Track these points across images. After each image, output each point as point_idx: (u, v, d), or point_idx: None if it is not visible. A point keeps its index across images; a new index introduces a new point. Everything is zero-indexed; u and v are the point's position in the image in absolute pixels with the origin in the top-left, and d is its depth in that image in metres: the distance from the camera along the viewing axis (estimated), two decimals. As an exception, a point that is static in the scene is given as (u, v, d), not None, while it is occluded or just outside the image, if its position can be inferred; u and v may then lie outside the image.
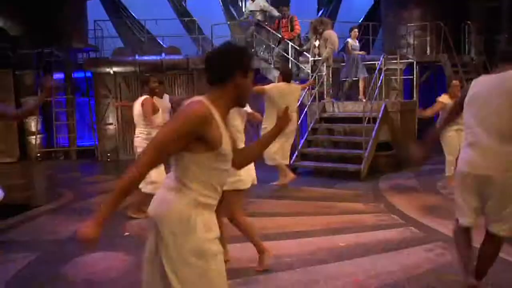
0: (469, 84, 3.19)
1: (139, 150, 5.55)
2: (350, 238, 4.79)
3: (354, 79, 10.57)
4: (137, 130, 5.78)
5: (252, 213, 5.55)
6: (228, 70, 2.02)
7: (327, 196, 6.80)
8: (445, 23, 11.52)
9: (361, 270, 3.95)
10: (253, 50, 10.89)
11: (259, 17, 10.65)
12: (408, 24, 12.31)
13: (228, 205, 3.77)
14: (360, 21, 14.86)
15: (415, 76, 9.95)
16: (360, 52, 9.93)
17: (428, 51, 12.39)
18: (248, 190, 3.96)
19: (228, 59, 2.04)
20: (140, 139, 5.65)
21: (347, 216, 5.68)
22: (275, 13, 10.62)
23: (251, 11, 10.77)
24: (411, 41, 12.38)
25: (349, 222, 5.39)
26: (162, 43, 12.74)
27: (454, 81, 7.10)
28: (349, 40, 9.85)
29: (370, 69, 11.52)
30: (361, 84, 9.71)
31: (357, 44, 9.93)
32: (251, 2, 10.85)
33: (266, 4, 10.76)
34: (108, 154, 10.78)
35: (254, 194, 6.05)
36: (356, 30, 10.04)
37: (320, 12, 15.22)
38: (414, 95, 11.34)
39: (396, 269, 3.95)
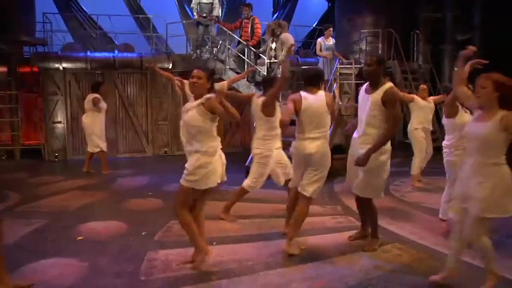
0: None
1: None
2: (311, 240, 4.83)
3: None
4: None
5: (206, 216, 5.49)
6: None
7: (282, 198, 6.78)
8: (396, 30, 11.91)
9: (324, 273, 3.98)
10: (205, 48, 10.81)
11: (205, 11, 10.52)
12: (361, 30, 12.61)
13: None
14: (314, 25, 15.15)
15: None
16: (338, 55, 10.02)
17: (379, 57, 12.73)
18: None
19: None
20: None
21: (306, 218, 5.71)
22: (216, 12, 10.56)
23: (201, 2, 10.57)
24: (364, 47, 12.69)
25: (308, 225, 5.36)
26: (114, 40, 12.36)
27: (422, 86, 8.18)
28: (319, 39, 9.92)
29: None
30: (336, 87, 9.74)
31: (332, 43, 9.95)
32: None
33: (217, 1, 10.64)
34: (56, 154, 10.31)
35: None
36: (331, 29, 10.04)
37: (276, 15, 15.34)
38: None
39: (357, 271, 4.01)
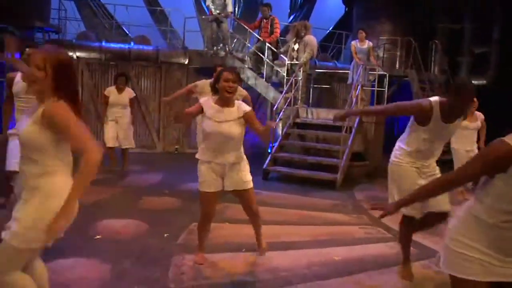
0: None
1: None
2: (343, 252, 4.53)
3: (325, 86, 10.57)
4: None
5: (230, 219, 5.21)
6: None
7: (307, 204, 6.53)
8: (414, 39, 11.68)
9: (362, 286, 3.70)
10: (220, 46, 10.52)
11: (219, 8, 10.22)
12: (380, 37, 12.37)
13: None
14: (330, 29, 14.91)
15: (386, 88, 9.96)
16: (374, 61, 9.72)
17: (397, 65, 12.53)
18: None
19: None
20: None
21: (333, 227, 5.45)
22: (230, 8, 10.25)
23: (213, 1, 10.28)
24: (381, 54, 12.45)
25: (337, 234, 5.15)
26: (127, 32, 12.06)
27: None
28: (353, 42, 9.63)
29: (342, 78, 11.56)
30: (361, 93, 9.42)
31: (366, 47, 9.61)
32: None
33: None
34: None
35: (230, 198, 5.69)
36: (362, 31, 9.66)
37: (292, 17, 15.10)
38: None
39: (398, 286, 3.74)
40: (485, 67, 13.35)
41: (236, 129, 3.59)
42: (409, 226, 3.86)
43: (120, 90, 7.64)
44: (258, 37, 9.90)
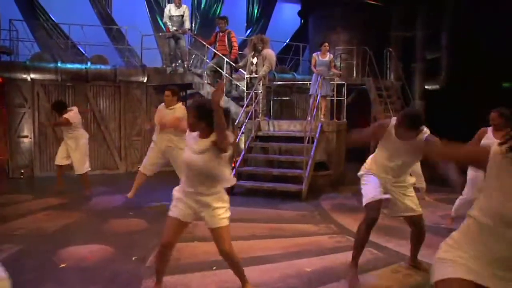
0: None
1: None
2: (314, 262, 4.57)
3: (285, 98, 10.71)
4: None
5: (200, 238, 5.15)
6: None
7: (274, 217, 6.56)
8: (370, 48, 12.02)
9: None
10: (179, 63, 10.52)
11: (176, 24, 10.26)
12: (336, 47, 12.65)
13: None
14: (287, 41, 15.13)
15: (345, 97, 10.17)
16: (335, 71, 9.82)
17: (354, 74, 12.84)
18: None
19: None
20: None
21: (302, 238, 5.49)
22: (187, 25, 10.36)
23: (171, 15, 10.30)
24: (338, 63, 12.72)
25: (307, 245, 5.19)
26: (84, 52, 11.83)
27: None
28: (314, 55, 9.76)
29: (301, 89, 11.73)
30: (322, 103, 9.48)
31: (327, 59, 9.70)
32: (176, 7, 10.36)
33: (188, 13, 10.42)
34: (22, 171, 9.65)
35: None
36: (326, 44, 9.75)
37: (249, 31, 15.22)
38: (343, 116, 11.61)
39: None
40: (437, 72, 13.91)
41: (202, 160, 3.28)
42: (370, 229, 3.99)
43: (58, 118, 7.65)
44: (216, 51, 9.92)
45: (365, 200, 3.97)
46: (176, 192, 3.45)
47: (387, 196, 3.99)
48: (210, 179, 3.30)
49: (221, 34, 9.97)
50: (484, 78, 12.00)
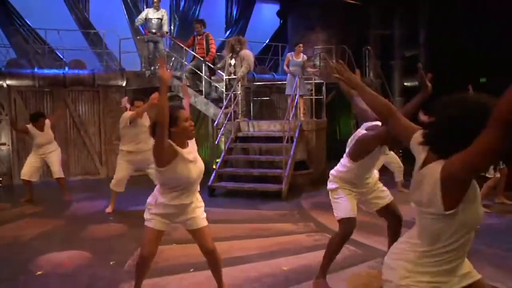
0: None
1: None
2: (292, 261, 4.62)
3: (265, 98, 10.75)
4: None
5: (177, 240, 5.17)
6: None
7: (254, 218, 6.60)
8: (348, 47, 12.13)
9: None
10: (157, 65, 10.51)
11: (154, 27, 10.28)
12: (315, 47, 12.75)
13: None
14: (266, 42, 15.18)
15: (324, 96, 10.26)
16: (311, 70, 9.93)
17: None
18: None
19: None
20: None
21: (281, 237, 5.53)
22: (166, 28, 10.43)
23: (149, 18, 10.34)
24: (317, 62, 12.83)
25: (285, 244, 5.23)
26: (62, 56, 11.74)
27: None
28: (288, 55, 9.84)
29: (281, 89, 11.78)
30: (300, 103, 9.54)
31: (301, 60, 9.81)
32: (155, 10, 10.41)
33: (167, 17, 10.46)
34: (0, 179, 9.54)
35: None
36: (301, 45, 9.89)
37: (228, 32, 15.24)
38: (323, 115, 11.71)
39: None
40: (416, 69, 14.04)
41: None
42: (344, 242, 3.86)
43: (41, 128, 7.51)
44: (194, 54, 9.93)
45: (339, 215, 3.76)
46: (154, 207, 3.30)
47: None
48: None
49: (199, 37, 10.00)
50: (462, 73, 12.20)
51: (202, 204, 3.45)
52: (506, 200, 7.18)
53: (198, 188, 3.39)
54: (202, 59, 9.77)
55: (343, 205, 3.75)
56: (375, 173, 3.98)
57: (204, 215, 3.42)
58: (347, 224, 3.73)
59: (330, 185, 3.84)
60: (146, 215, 3.34)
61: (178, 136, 3.09)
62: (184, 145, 3.16)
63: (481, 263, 4.43)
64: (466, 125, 1.75)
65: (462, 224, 1.83)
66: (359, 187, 3.79)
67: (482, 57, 11.52)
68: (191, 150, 3.21)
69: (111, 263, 4.61)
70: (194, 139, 3.29)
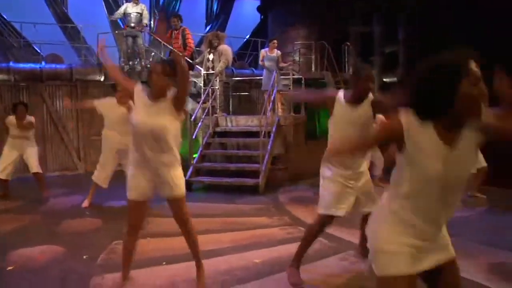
0: None
1: None
2: (264, 254, 4.69)
3: (244, 93, 10.80)
4: None
5: (152, 234, 5.20)
6: None
7: (230, 212, 6.67)
8: (328, 43, 12.24)
9: (283, 285, 3.86)
10: (137, 61, 10.51)
11: (133, 21, 10.26)
12: (295, 42, 12.83)
13: None
14: (247, 37, 15.23)
15: (303, 91, 10.35)
16: (284, 64, 10.07)
17: (313, 69, 13.05)
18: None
19: None
20: None
21: (255, 231, 5.60)
22: (146, 21, 10.43)
23: (128, 13, 10.31)
24: (297, 58, 12.91)
25: (258, 237, 5.30)
26: (39, 51, 11.61)
27: None
28: (263, 50, 9.92)
29: (260, 84, 11.84)
30: (277, 98, 9.57)
31: (275, 55, 9.92)
32: (134, 4, 10.37)
33: (146, 11, 10.44)
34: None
35: (151, 213, 5.67)
36: (275, 41, 10.01)
37: (209, 27, 15.24)
38: (302, 110, 11.80)
39: (318, 281, 3.95)
40: (395, 65, 14.26)
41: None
42: (324, 227, 3.91)
43: (20, 120, 7.25)
44: (172, 48, 9.93)
45: (319, 208, 3.77)
46: (131, 170, 3.42)
47: (341, 213, 3.75)
48: (166, 143, 3.30)
49: (175, 31, 10.00)
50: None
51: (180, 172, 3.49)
52: (479, 193, 7.37)
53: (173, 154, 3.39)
54: (179, 53, 9.77)
55: (323, 196, 3.76)
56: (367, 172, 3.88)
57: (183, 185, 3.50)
58: (322, 220, 3.78)
59: (323, 172, 3.81)
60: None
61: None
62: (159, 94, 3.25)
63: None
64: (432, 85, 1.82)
65: (416, 172, 1.92)
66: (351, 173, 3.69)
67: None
68: (159, 102, 3.25)
69: (84, 257, 4.62)
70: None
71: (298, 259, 3.93)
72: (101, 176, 6.87)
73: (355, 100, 3.57)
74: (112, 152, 6.73)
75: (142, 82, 3.56)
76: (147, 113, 3.26)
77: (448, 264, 2.08)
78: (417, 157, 1.90)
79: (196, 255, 3.73)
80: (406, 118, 1.91)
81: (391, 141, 2.01)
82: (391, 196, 2.09)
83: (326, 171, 3.78)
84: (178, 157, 3.43)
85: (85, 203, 6.94)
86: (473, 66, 1.78)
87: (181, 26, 10.01)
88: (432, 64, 1.86)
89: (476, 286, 3.86)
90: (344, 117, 3.59)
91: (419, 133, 1.88)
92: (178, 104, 3.27)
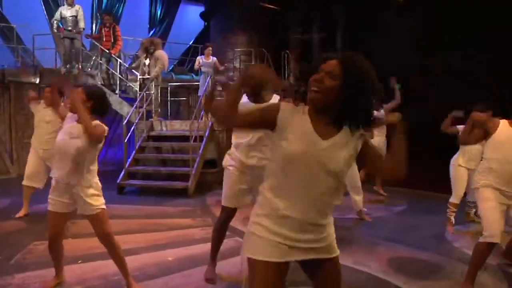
0: None
1: None
2: (179, 252, 4.92)
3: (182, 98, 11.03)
4: None
5: (75, 235, 5.33)
6: None
7: (155, 213, 6.86)
8: (268, 50, 12.63)
9: (192, 280, 4.11)
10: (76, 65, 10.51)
11: (70, 24, 10.27)
12: (235, 49, 13.15)
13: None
14: (191, 43, 15.41)
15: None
16: (222, 68, 10.45)
17: (252, 76, 13.38)
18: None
19: None
20: None
21: (175, 231, 5.83)
22: (82, 24, 10.39)
23: (64, 17, 10.29)
24: (237, 65, 13.23)
25: (177, 237, 5.54)
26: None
27: None
28: (199, 57, 10.20)
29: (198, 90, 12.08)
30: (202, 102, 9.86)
31: (211, 61, 10.28)
32: (69, 7, 10.34)
33: (82, 13, 10.44)
34: None
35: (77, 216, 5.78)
36: (210, 48, 10.40)
37: (152, 32, 15.32)
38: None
39: (225, 277, 4.20)
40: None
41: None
42: (227, 226, 4.16)
43: None
44: (101, 47, 10.02)
45: (223, 200, 3.99)
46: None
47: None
48: (82, 167, 3.44)
49: (106, 29, 10.11)
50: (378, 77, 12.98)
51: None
52: (381, 190, 7.99)
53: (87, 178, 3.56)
54: (107, 51, 9.91)
55: (225, 190, 3.97)
56: None
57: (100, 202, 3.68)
58: (225, 212, 4.03)
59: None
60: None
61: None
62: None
63: (355, 248, 5.02)
64: None
65: (281, 149, 2.00)
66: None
67: (393, 62, 12.35)
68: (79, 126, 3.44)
69: (-1, 257, 4.70)
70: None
71: (213, 257, 4.17)
72: (27, 174, 6.69)
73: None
74: (37, 151, 6.74)
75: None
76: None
77: (328, 260, 2.13)
78: (284, 132, 1.99)
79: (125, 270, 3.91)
80: (286, 104, 2.08)
81: (264, 121, 2.08)
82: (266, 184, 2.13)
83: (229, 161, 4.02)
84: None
85: (20, 213, 6.59)
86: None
87: (112, 23, 10.12)
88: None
89: (373, 278, 4.27)
90: None
91: (293, 114, 2.03)
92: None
